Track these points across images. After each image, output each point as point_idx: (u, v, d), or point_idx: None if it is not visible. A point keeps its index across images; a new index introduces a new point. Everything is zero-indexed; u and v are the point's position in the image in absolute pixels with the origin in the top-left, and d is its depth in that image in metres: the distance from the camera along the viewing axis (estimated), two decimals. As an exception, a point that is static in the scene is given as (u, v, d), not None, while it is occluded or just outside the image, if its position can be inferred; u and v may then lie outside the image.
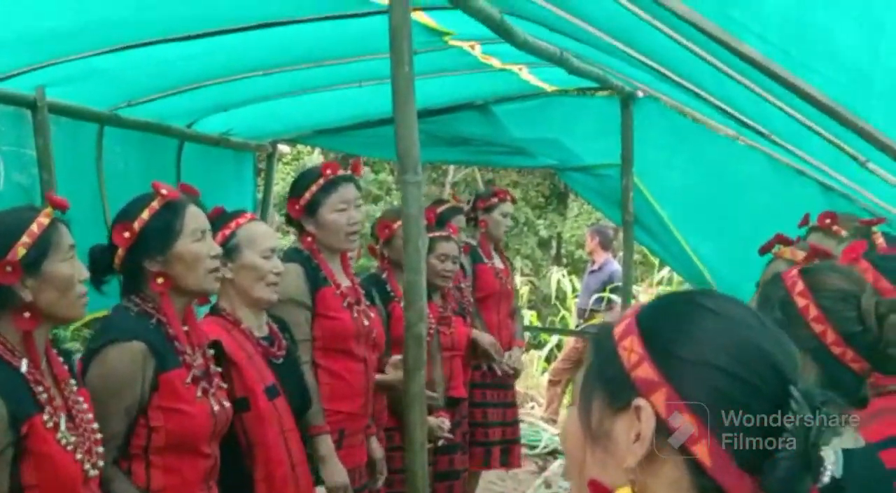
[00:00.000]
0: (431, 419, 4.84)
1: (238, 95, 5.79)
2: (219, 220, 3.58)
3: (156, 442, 3.02)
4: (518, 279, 13.30)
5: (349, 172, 4.33)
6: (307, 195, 4.18)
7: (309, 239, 4.20)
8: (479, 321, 6.23)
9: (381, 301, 4.92)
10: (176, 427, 3.02)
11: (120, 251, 3.10)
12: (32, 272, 2.64)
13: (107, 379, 2.94)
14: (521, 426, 7.80)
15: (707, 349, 1.27)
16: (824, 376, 2.00)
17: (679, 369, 1.27)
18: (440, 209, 6.03)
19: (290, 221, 4.36)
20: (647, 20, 2.87)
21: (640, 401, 1.27)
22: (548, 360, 11.73)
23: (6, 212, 2.77)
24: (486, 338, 6.09)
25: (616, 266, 9.90)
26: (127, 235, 3.08)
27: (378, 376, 4.50)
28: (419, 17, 4.31)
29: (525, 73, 6.06)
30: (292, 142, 8.29)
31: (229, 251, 3.55)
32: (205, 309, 3.75)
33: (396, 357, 4.35)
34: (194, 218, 3.16)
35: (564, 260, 17.53)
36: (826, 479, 1.22)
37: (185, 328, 3.18)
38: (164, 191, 3.14)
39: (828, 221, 3.18)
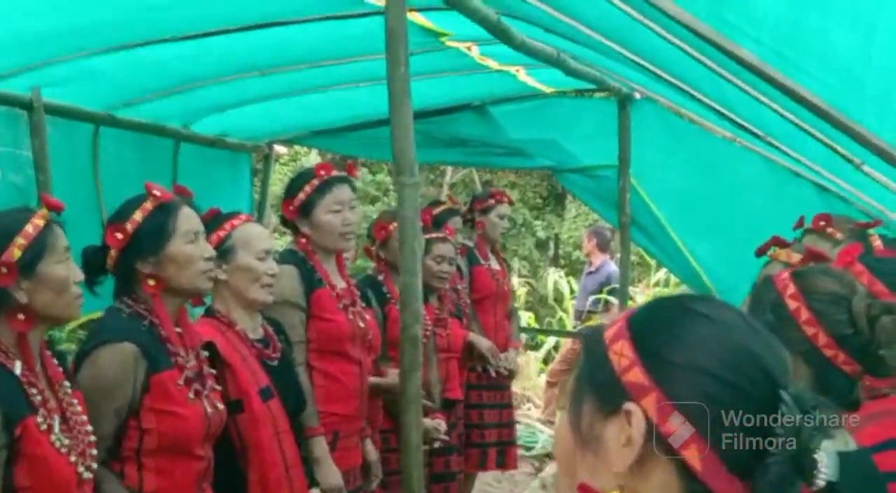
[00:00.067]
0: (427, 421, 4.83)
1: (234, 95, 5.78)
2: (214, 221, 3.58)
3: (148, 444, 3.01)
4: (515, 280, 13.30)
5: (344, 173, 4.33)
6: (301, 196, 4.17)
7: (304, 240, 4.19)
8: (476, 323, 6.23)
9: (378, 303, 4.92)
10: (168, 429, 3.02)
11: (112, 252, 3.09)
12: (27, 274, 2.64)
13: (97, 380, 2.94)
14: (518, 427, 7.82)
15: (698, 354, 1.26)
16: (816, 379, 2.00)
17: (670, 373, 1.26)
18: (437, 211, 6.03)
19: (285, 222, 4.36)
20: (641, 22, 2.87)
21: (630, 405, 1.27)
22: (545, 361, 11.73)
23: (1, 213, 2.76)
24: (483, 343, 6.08)
25: (613, 267, 9.90)
26: (119, 236, 3.08)
27: (374, 379, 4.49)
28: (416, 18, 4.31)
29: (522, 75, 6.06)
30: (289, 143, 8.28)
31: (224, 253, 3.55)
32: (200, 311, 3.74)
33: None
34: (187, 219, 3.16)
35: (562, 261, 17.54)
36: (821, 482, 1.21)
37: (178, 330, 3.17)
38: (156, 192, 3.14)
39: (822, 223, 3.18)
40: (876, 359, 2.01)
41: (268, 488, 3.44)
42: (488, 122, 7.02)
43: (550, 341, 12.14)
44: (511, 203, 6.86)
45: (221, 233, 3.57)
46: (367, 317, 4.33)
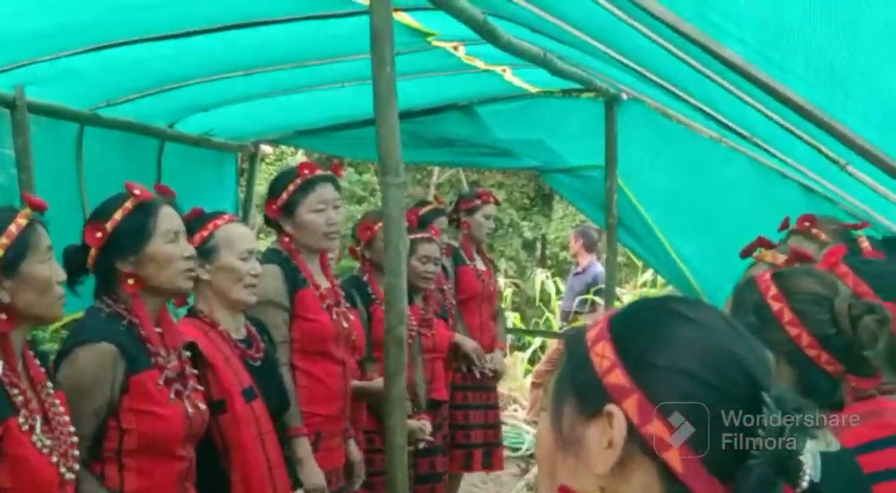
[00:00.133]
0: (412, 422, 4.83)
1: (219, 95, 5.77)
2: (197, 221, 3.57)
3: (128, 445, 3.00)
4: (502, 281, 13.31)
5: (328, 172, 4.32)
6: (284, 196, 4.16)
7: (287, 239, 4.18)
8: (461, 324, 6.23)
9: (362, 303, 4.91)
10: (148, 429, 3.01)
11: (92, 252, 3.08)
12: (10, 273, 2.62)
13: (75, 380, 2.93)
14: (504, 428, 7.81)
15: (679, 356, 1.26)
16: (799, 380, 2.00)
17: (651, 375, 1.26)
18: (423, 211, 6.03)
19: (268, 221, 4.35)
20: (627, 22, 2.87)
21: (611, 407, 1.26)
22: (531, 362, 11.73)
23: (-16, 212, 2.75)
24: (469, 343, 6.09)
25: (600, 268, 9.90)
26: (99, 235, 3.07)
27: (359, 383, 4.49)
28: (402, 17, 4.30)
29: (509, 75, 6.05)
30: (275, 143, 8.26)
31: (207, 253, 3.54)
32: (184, 311, 3.73)
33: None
34: (167, 219, 3.14)
35: (549, 262, 17.55)
36: (804, 484, 1.21)
37: (159, 330, 3.16)
38: (137, 191, 3.13)
39: (807, 224, 3.18)
40: (859, 359, 2.01)
41: (251, 488, 3.43)
42: (475, 122, 7.01)
43: (537, 341, 12.15)
44: (497, 203, 6.87)
45: (204, 233, 3.56)
46: (352, 317, 4.33)
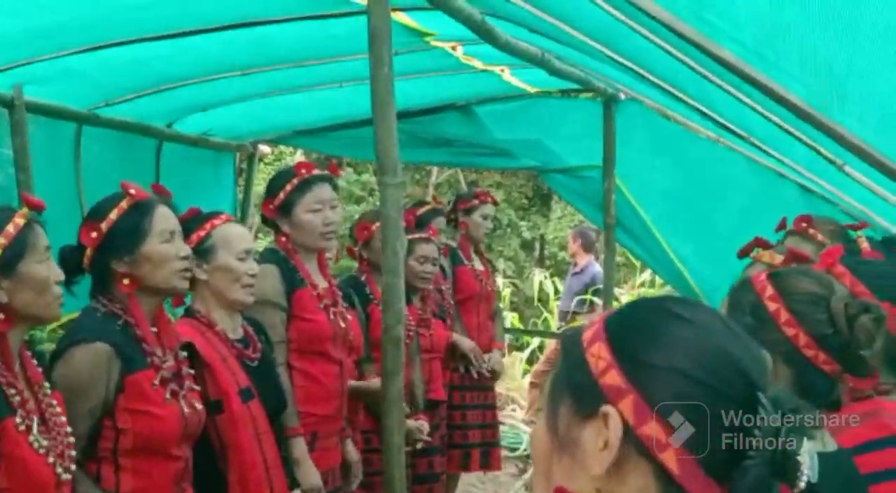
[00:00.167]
0: (410, 422, 4.83)
1: (217, 95, 5.77)
2: (194, 221, 3.56)
3: (123, 444, 3.00)
4: (500, 281, 13.29)
5: (326, 171, 4.31)
6: (281, 195, 4.16)
7: (284, 239, 4.18)
8: (459, 324, 6.23)
9: (360, 303, 4.91)
10: (144, 429, 3.00)
11: (88, 251, 3.08)
12: (8, 273, 2.62)
13: (70, 380, 2.92)
14: (503, 428, 7.81)
15: (675, 356, 1.26)
16: (796, 380, 2.00)
17: (647, 376, 1.26)
18: (420, 211, 6.03)
19: (265, 220, 4.35)
20: (624, 22, 2.87)
21: (607, 408, 1.26)
22: (530, 362, 11.73)
23: (-18, 212, 2.74)
24: (466, 343, 6.09)
25: (598, 268, 9.90)
26: (94, 235, 3.06)
27: (356, 383, 4.48)
28: (400, 17, 4.30)
29: (507, 75, 6.05)
30: (273, 143, 8.26)
31: (204, 253, 3.54)
32: (181, 311, 3.73)
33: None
34: (163, 219, 3.14)
35: (547, 262, 17.53)
36: (802, 484, 1.21)
37: (155, 330, 3.16)
38: (132, 191, 3.12)
39: (804, 224, 3.19)
40: (856, 358, 2.01)
41: (248, 488, 3.42)
42: (473, 122, 7.01)
43: (535, 341, 12.14)
44: (495, 204, 6.86)
45: (201, 233, 3.56)
46: (349, 317, 4.32)
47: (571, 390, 1.32)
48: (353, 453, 4.42)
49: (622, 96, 6.25)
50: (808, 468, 1.21)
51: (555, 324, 11.88)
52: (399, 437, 3.53)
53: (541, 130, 6.84)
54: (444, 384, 5.89)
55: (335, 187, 4.29)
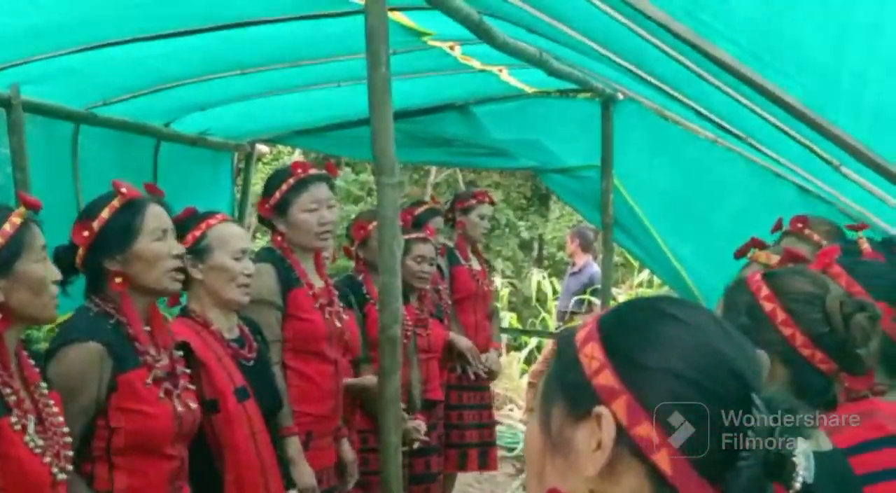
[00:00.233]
0: (407, 422, 4.83)
1: (215, 94, 5.77)
2: (190, 220, 3.56)
3: (116, 443, 2.99)
4: (499, 281, 13.29)
5: (323, 171, 4.31)
6: (277, 195, 4.16)
7: (279, 238, 4.18)
8: (456, 323, 6.22)
9: (357, 303, 4.91)
10: (136, 428, 3.00)
11: (81, 251, 3.08)
12: (4, 273, 2.61)
13: (63, 380, 2.91)
14: (500, 428, 7.80)
15: (668, 357, 1.25)
16: (793, 380, 2.00)
17: (640, 376, 1.25)
18: (418, 211, 6.03)
19: (262, 219, 4.34)
20: (621, 22, 2.87)
21: (600, 409, 1.25)
22: (528, 362, 11.72)
23: (-22, 211, 2.74)
24: (463, 342, 6.09)
25: (596, 268, 9.89)
26: (86, 234, 3.06)
27: (349, 380, 4.48)
28: (397, 17, 4.30)
29: (505, 75, 6.05)
30: (271, 142, 8.26)
31: (200, 252, 3.53)
32: (178, 311, 3.72)
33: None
34: (155, 217, 3.14)
35: (545, 262, 17.53)
36: (797, 485, 1.21)
37: (148, 329, 3.15)
38: (124, 190, 3.12)
39: (800, 225, 3.19)
40: (852, 357, 2.01)
41: (244, 488, 3.42)
42: (471, 122, 7.01)
43: (533, 341, 12.13)
44: (493, 203, 6.85)
45: (197, 232, 3.55)
46: (345, 317, 4.31)
47: (565, 390, 1.32)
48: (349, 452, 4.42)
49: (620, 96, 6.25)
50: (804, 469, 1.21)
51: (553, 324, 11.88)
52: (396, 436, 3.53)
53: (539, 130, 6.84)
54: (442, 384, 5.89)
55: (332, 187, 4.29)
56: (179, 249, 3.22)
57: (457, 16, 3.84)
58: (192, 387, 3.25)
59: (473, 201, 6.48)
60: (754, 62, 2.41)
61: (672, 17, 2.37)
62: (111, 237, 3.07)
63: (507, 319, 12.79)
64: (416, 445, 5.21)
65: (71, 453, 2.77)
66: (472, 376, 6.19)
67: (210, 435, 3.42)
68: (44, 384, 2.78)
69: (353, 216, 7.92)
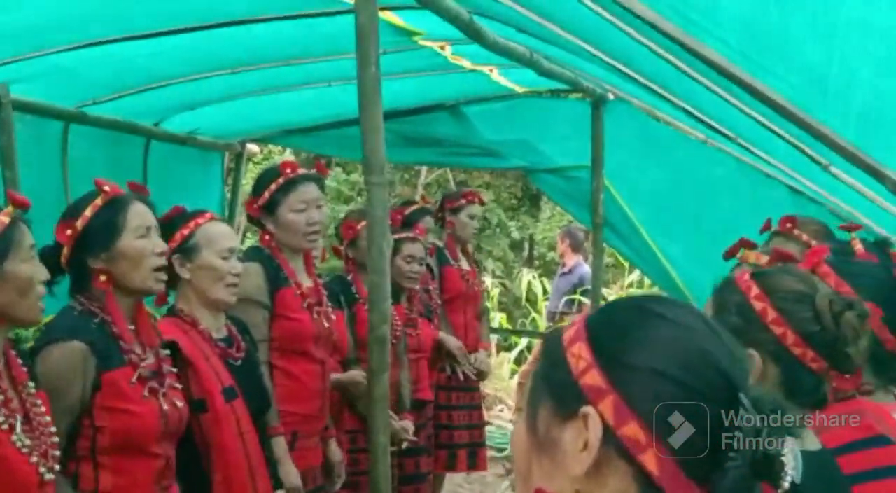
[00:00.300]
0: (394, 423, 4.82)
1: (205, 93, 5.76)
2: (178, 219, 3.56)
3: (101, 442, 2.98)
4: (489, 281, 13.29)
5: (312, 171, 4.30)
6: (266, 195, 4.15)
7: (268, 237, 4.17)
8: (445, 323, 6.22)
9: (347, 303, 4.90)
10: (121, 427, 2.99)
11: (65, 250, 3.07)
12: (-8, 272, 2.61)
13: (46, 379, 2.89)
14: (490, 428, 7.80)
15: (655, 356, 1.25)
16: (784, 378, 2.00)
17: (627, 376, 1.24)
18: (408, 211, 6.03)
19: (252, 219, 4.33)
20: (610, 20, 2.87)
21: (587, 409, 1.25)
22: (518, 362, 11.73)
23: (-33, 210, 2.73)
24: (452, 341, 6.10)
25: (586, 269, 9.89)
26: (69, 232, 3.06)
27: (335, 376, 4.47)
28: (388, 16, 4.30)
29: (496, 75, 6.05)
30: (261, 142, 8.24)
31: (188, 251, 3.53)
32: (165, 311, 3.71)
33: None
34: (138, 215, 3.13)
35: (536, 262, 17.52)
36: (786, 484, 1.20)
37: (133, 328, 3.14)
38: (106, 188, 3.11)
39: (789, 225, 3.19)
40: (842, 355, 2.02)
41: (232, 488, 3.42)
42: (462, 122, 7.01)
43: (523, 342, 12.13)
44: (483, 203, 6.86)
45: (185, 231, 3.54)
46: (333, 317, 4.31)
47: (552, 390, 1.31)
48: (336, 453, 4.41)
49: (611, 97, 6.24)
50: (792, 469, 1.21)
51: (543, 324, 11.89)
52: (385, 436, 3.52)
53: (529, 131, 6.84)
54: (431, 385, 5.89)
55: (322, 187, 4.28)
56: (163, 246, 3.21)
57: (447, 15, 3.84)
58: (179, 386, 3.24)
59: (463, 201, 6.48)
60: (743, 61, 2.41)
61: (660, 15, 2.37)
62: (94, 235, 3.06)
63: (498, 319, 12.79)
64: (404, 445, 5.21)
65: (58, 453, 2.76)
66: (462, 377, 6.19)
67: (198, 435, 3.41)
68: (31, 384, 2.77)
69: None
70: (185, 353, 3.41)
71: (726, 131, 4.51)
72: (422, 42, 4.92)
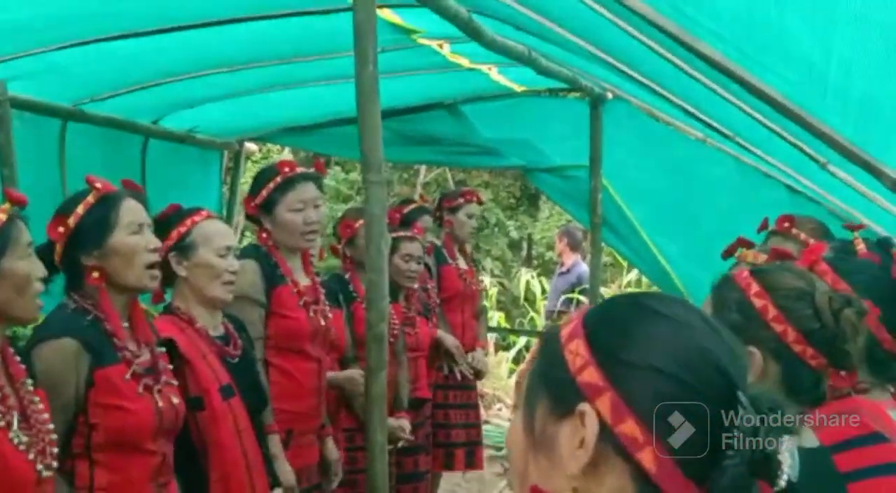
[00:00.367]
0: (392, 421, 4.82)
1: (204, 91, 5.75)
2: (174, 217, 3.56)
3: (96, 439, 2.98)
4: (488, 280, 13.29)
5: (311, 170, 4.30)
6: (263, 193, 4.15)
7: (265, 235, 4.17)
8: (443, 322, 6.22)
9: (344, 301, 4.90)
10: (116, 424, 2.98)
11: (58, 247, 3.06)
12: (-11, 269, 2.61)
13: (40, 377, 2.89)
14: (488, 427, 7.80)
15: (652, 353, 1.24)
16: (784, 375, 2.01)
17: (624, 373, 1.24)
18: (406, 209, 6.03)
19: (250, 218, 4.33)
20: (608, 18, 2.87)
21: (584, 406, 1.24)
22: (516, 361, 11.72)
23: (-36, 207, 2.72)
24: (449, 340, 6.10)
25: (585, 268, 9.88)
26: (61, 229, 3.05)
27: (331, 374, 4.47)
28: (386, 14, 4.30)
29: (494, 73, 6.05)
30: (260, 140, 8.23)
31: (184, 249, 3.53)
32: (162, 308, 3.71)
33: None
34: (130, 211, 3.12)
35: (534, 262, 17.53)
36: (783, 483, 1.20)
37: (126, 325, 3.14)
38: (98, 185, 3.11)
39: (786, 224, 3.19)
40: (842, 353, 2.03)
41: (229, 486, 3.41)
42: (460, 121, 7.01)
43: (521, 341, 12.14)
44: (481, 203, 6.85)
45: (182, 229, 3.54)
46: (330, 315, 4.30)
47: (549, 387, 1.30)
48: (333, 451, 4.41)
49: (609, 96, 6.25)
50: (789, 467, 1.20)
51: (541, 323, 11.89)
52: (382, 435, 3.53)
53: (528, 130, 6.84)
54: (429, 383, 5.89)
55: (320, 186, 4.28)
56: (156, 243, 3.20)
57: (446, 14, 3.84)
58: (175, 383, 3.23)
59: (461, 200, 6.48)
60: (740, 57, 2.41)
61: (657, 10, 2.36)
62: (87, 232, 3.06)
63: (496, 318, 12.80)
64: (401, 443, 5.21)
65: (56, 450, 2.75)
66: (459, 376, 6.19)
67: (195, 433, 3.41)
68: (29, 381, 2.77)
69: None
70: (182, 350, 3.41)
71: (725, 130, 4.52)
72: (420, 40, 4.92)
